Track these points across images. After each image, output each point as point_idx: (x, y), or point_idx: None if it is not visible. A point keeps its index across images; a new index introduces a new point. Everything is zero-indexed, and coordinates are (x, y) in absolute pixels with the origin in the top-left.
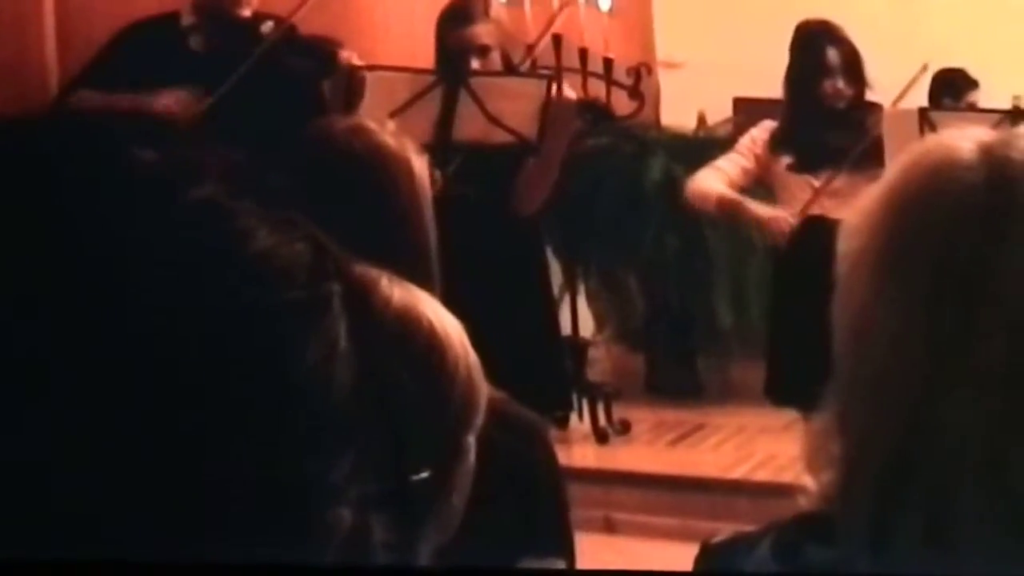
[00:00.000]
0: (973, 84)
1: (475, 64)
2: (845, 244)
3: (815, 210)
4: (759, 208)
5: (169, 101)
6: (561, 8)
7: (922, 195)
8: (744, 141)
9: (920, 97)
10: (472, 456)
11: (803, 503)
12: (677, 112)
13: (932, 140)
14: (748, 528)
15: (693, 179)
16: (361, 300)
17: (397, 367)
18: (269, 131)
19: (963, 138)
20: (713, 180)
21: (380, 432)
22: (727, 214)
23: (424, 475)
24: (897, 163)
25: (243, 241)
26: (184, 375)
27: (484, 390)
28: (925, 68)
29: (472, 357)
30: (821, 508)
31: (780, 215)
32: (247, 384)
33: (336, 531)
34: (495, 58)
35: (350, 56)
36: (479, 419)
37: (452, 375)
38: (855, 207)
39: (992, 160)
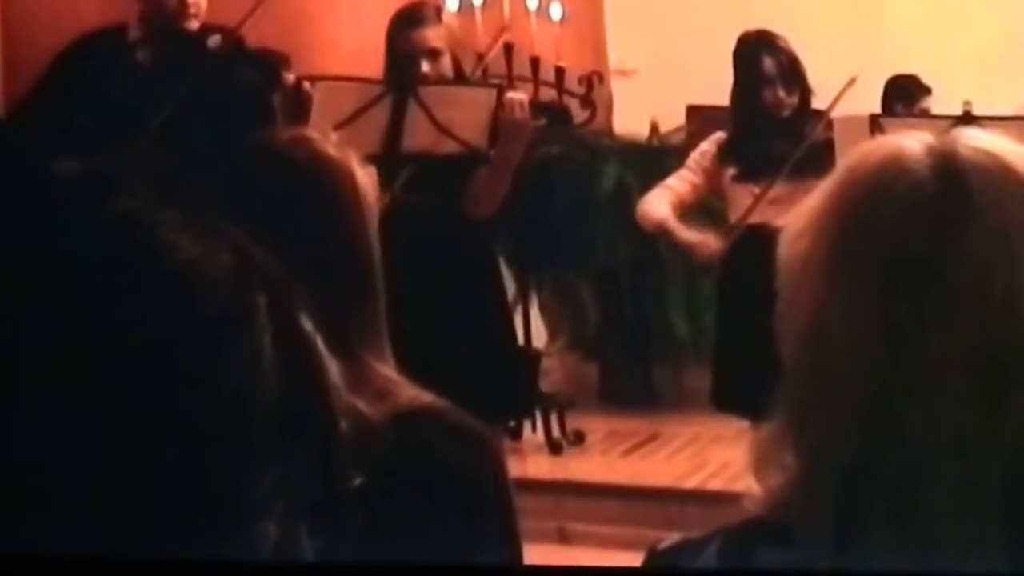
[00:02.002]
0: (926, 90)
1: (425, 68)
2: (789, 248)
3: (757, 218)
4: (688, 233)
5: None
6: (511, 18)
7: (870, 191)
8: (694, 156)
9: (871, 104)
10: None
11: (750, 508)
12: (630, 120)
13: (876, 140)
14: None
15: (642, 201)
16: (287, 308)
17: (325, 375)
18: (216, 144)
19: (909, 137)
20: (658, 202)
21: (308, 442)
22: (663, 235)
23: (357, 482)
24: (842, 164)
25: (164, 253)
26: (104, 389)
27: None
28: (853, 81)
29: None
30: (770, 513)
31: (705, 239)
32: (168, 398)
33: (262, 545)
34: (446, 63)
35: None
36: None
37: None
38: (798, 210)
39: (939, 154)
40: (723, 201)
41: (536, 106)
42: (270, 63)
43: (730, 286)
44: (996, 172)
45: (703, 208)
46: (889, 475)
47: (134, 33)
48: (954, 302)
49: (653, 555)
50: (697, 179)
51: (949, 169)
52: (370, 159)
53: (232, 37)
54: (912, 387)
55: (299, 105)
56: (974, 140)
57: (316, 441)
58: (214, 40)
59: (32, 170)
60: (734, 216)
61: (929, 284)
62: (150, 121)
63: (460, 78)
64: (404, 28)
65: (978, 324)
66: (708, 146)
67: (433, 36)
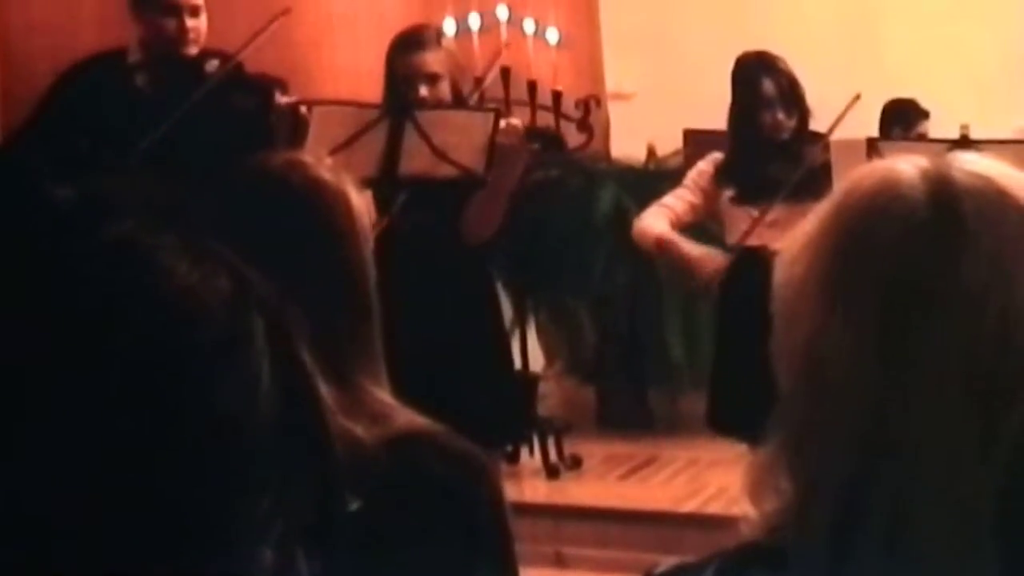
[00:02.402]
0: (924, 114)
1: (424, 92)
2: (786, 272)
3: (756, 241)
4: (691, 248)
5: None
6: (509, 42)
7: (865, 216)
8: (691, 175)
9: (869, 127)
10: None
11: (746, 532)
12: (627, 144)
13: (870, 165)
14: None
15: (639, 218)
16: (283, 334)
17: (321, 399)
18: (212, 168)
19: (903, 161)
20: (656, 219)
21: (304, 467)
22: (664, 254)
23: (354, 507)
24: (836, 188)
25: (161, 279)
26: (101, 412)
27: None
28: (857, 98)
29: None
30: (765, 537)
31: (708, 253)
32: (165, 422)
33: (258, 569)
34: (444, 87)
35: (290, 95)
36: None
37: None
38: (793, 234)
39: (933, 178)
40: (720, 224)
41: (530, 131)
42: (267, 88)
43: (728, 309)
44: (991, 196)
45: (700, 230)
46: (884, 499)
47: (134, 57)
48: (949, 326)
49: None
50: (695, 199)
51: (943, 193)
52: (367, 183)
53: (230, 62)
54: (907, 411)
55: (296, 129)
56: (969, 164)
57: (313, 466)
58: (212, 65)
59: (30, 195)
60: (731, 239)
61: (924, 309)
62: (148, 145)
63: (459, 100)
64: (404, 52)
65: (973, 348)
66: (706, 166)
67: (432, 60)
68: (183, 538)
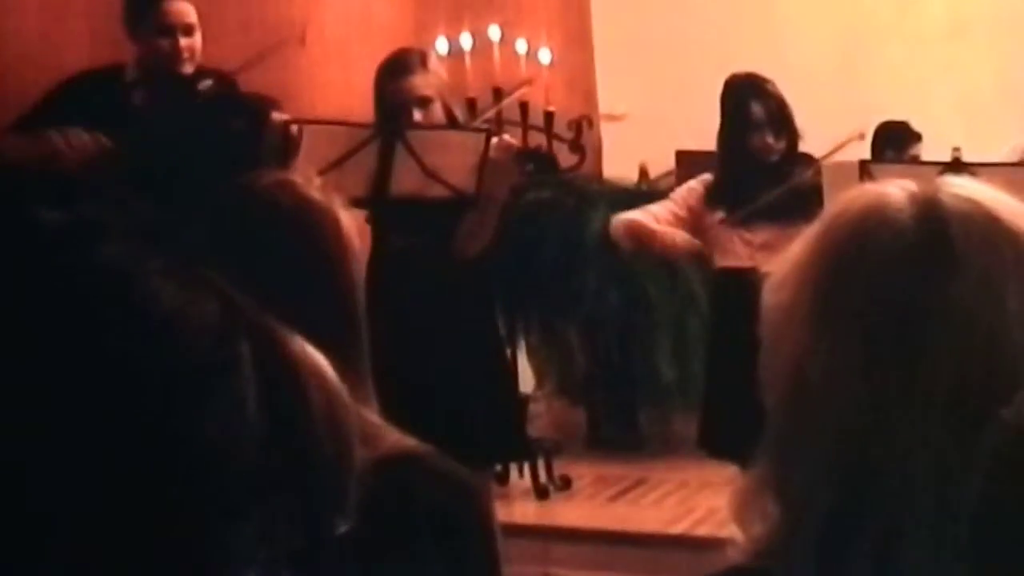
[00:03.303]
0: (916, 137)
1: (417, 116)
2: (773, 297)
3: (747, 263)
4: (656, 226)
5: (75, 142)
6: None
7: (853, 240)
8: (681, 190)
9: (861, 150)
10: None
11: (733, 556)
12: (619, 165)
13: (859, 188)
14: None
15: (617, 216)
16: (271, 357)
17: (306, 419)
18: (202, 187)
19: (892, 185)
20: (634, 213)
21: (290, 490)
22: (635, 239)
23: (343, 529)
24: (825, 212)
25: (148, 303)
26: (86, 435)
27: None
28: (862, 136)
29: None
30: (752, 561)
31: (673, 230)
32: (151, 445)
33: None
34: (436, 110)
35: (281, 115)
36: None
37: (347, 422)
38: (781, 258)
39: (921, 202)
40: (706, 243)
41: (523, 152)
42: (260, 107)
43: (718, 331)
44: (979, 220)
45: None
46: (871, 522)
47: (131, 74)
48: (936, 350)
49: None
50: (680, 211)
51: (931, 217)
52: (357, 203)
53: (225, 81)
54: (894, 434)
55: (286, 148)
56: (957, 188)
57: (300, 490)
58: (205, 84)
59: (18, 217)
60: (721, 261)
61: (911, 333)
62: (140, 162)
63: (452, 122)
64: (393, 78)
65: (960, 371)
66: (696, 184)
67: (422, 84)
68: (166, 563)
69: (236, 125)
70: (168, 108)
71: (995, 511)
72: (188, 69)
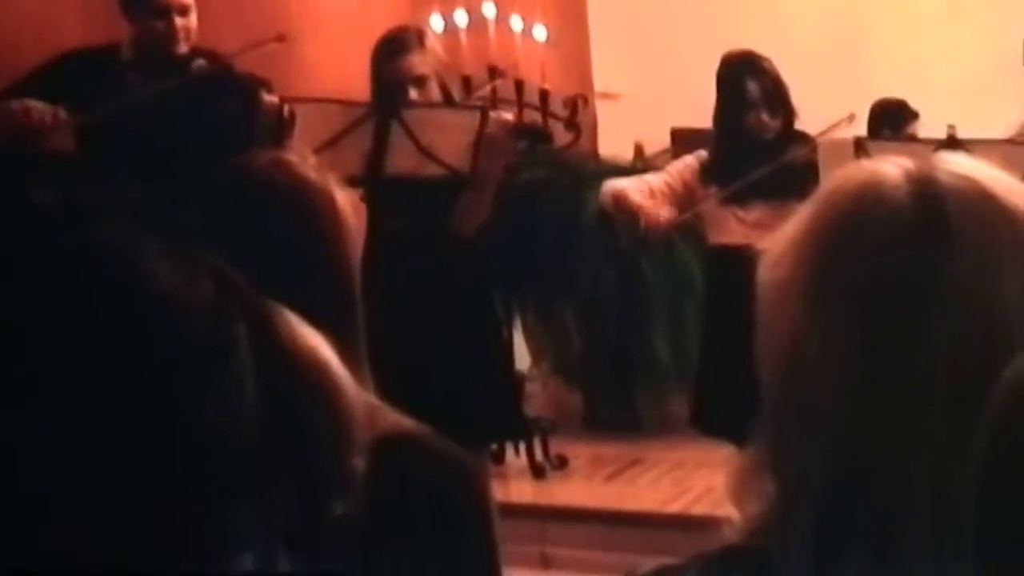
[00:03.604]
0: (913, 115)
1: (413, 95)
2: (769, 274)
3: (741, 240)
4: (641, 199)
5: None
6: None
7: (848, 218)
8: (677, 164)
9: (857, 127)
10: None
11: (729, 535)
12: (615, 143)
13: (855, 166)
14: None
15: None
16: (268, 338)
17: (303, 400)
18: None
19: (887, 163)
20: (626, 182)
21: (287, 471)
22: (616, 203)
23: (340, 510)
24: (820, 190)
25: (144, 283)
26: (82, 416)
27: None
28: (852, 117)
29: (348, 377)
30: (748, 540)
31: (656, 206)
32: (148, 427)
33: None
34: (433, 88)
35: (273, 96)
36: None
37: (343, 403)
38: (777, 236)
39: (917, 180)
40: (701, 220)
41: (516, 128)
42: (252, 87)
43: (712, 310)
44: (975, 197)
45: (684, 229)
46: (868, 502)
47: (127, 54)
48: (933, 328)
49: None
50: (674, 184)
51: (927, 195)
52: (353, 181)
53: (219, 61)
54: (891, 413)
55: (281, 128)
56: (953, 165)
57: (297, 471)
58: (198, 64)
59: (14, 199)
60: (715, 238)
61: (907, 311)
62: (135, 143)
63: (448, 100)
64: (389, 57)
65: (957, 349)
66: (692, 160)
67: (419, 63)
68: (163, 542)
69: (229, 106)
70: (162, 88)
71: (998, 476)
72: (183, 50)
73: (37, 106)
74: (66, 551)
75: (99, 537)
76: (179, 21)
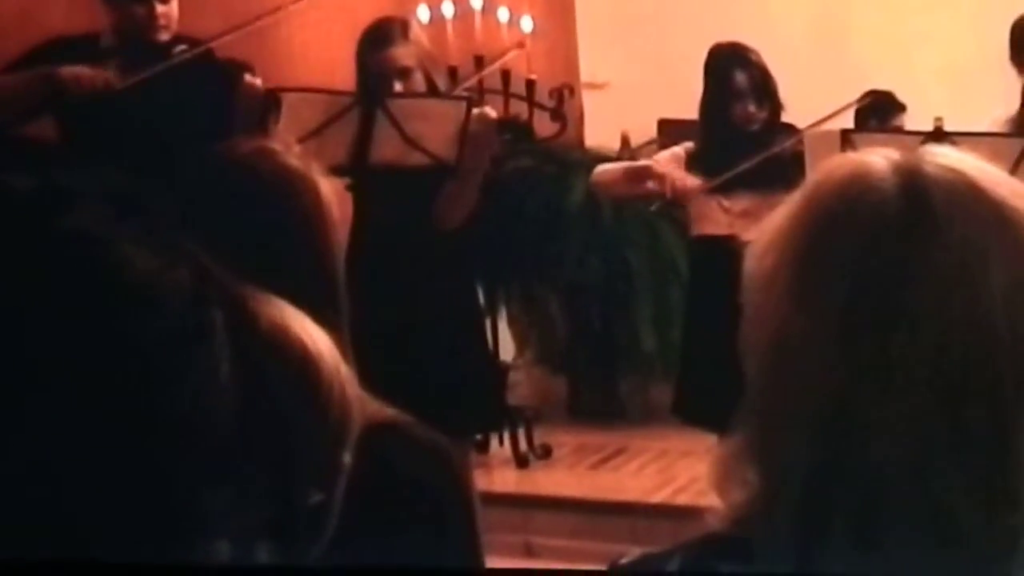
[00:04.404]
0: (900, 107)
1: (398, 86)
2: (755, 263)
3: (726, 230)
4: (665, 166)
5: (83, 73)
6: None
7: (834, 208)
8: (664, 154)
9: (843, 119)
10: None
11: (712, 524)
12: (601, 133)
13: (841, 157)
14: None
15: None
16: (244, 323)
17: (282, 389)
18: (178, 154)
19: (874, 154)
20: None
21: (264, 459)
22: (638, 175)
23: (317, 499)
24: (807, 180)
25: (119, 270)
26: (58, 402)
27: (356, 405)
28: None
29: (344, 371)
30: (731, 528)
31: (681, 175)
32: (123, 412)
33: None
34: (418, 79)
35: (256, 79)
36: (353, 436)
37: (328, 393)
38: (764, 226)
39: (903, 171)
40: (686, 213)
41: (499, 124)
42: (233, 71)
43: (697, 299)
44: (961, 189)
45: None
46: (850, 491)
47: (106, 41)
48: (916, 319)
49: (614, 570)
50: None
51: (914, 187)
52: (337, 171)
53: (200, 48)
54: (875, 402)
55: (264, 114)
56: (940, 157)
57: (274, 458)
58: (180, 50)
59: None
60: (699, 229)
61: (893, 301)
62: (116, 130)
63: (433, 91)
64: (373, 48)
65: (940, 340)
66: (679, 150)
67: (403, 54)
68: (138, 528)
69: (209, 91)
70: (142, 75)
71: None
72: (164, 37)
73: (87, 72)
74: (38, 537)
75: (70, 523)
76: (160, 8)
